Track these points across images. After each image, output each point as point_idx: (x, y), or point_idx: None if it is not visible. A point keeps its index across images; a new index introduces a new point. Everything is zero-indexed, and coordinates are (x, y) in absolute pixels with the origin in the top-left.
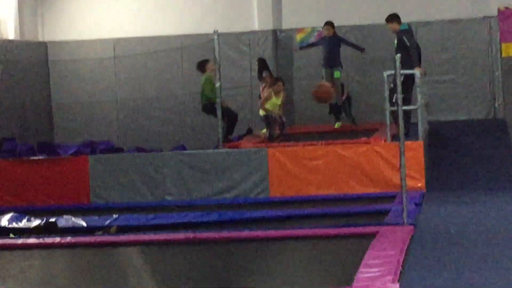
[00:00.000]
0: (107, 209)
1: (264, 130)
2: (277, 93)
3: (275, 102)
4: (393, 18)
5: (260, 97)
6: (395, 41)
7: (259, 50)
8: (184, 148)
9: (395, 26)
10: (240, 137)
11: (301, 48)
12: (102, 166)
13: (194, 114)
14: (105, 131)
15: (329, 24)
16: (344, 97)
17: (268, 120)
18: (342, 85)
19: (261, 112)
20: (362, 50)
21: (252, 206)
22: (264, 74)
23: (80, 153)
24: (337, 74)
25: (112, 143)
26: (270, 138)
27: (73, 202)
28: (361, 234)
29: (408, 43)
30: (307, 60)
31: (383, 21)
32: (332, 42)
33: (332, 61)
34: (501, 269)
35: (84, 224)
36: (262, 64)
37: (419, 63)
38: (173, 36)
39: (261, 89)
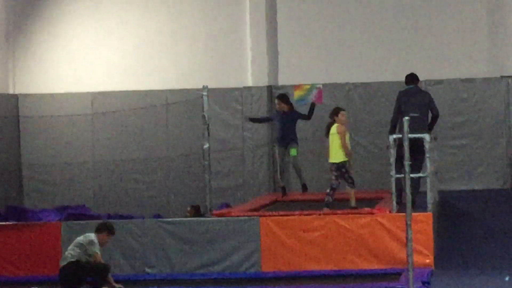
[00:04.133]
0: None
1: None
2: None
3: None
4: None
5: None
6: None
7: (252, 107)
8: (159, 218)
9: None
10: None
11: (251, 120)
12: (76, 234)
13: (179, 178)
14: (80, 195)
15: (280, 98)
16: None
17: (341, 173)
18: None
19: (338, 159)
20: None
21: (242, 281)
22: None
23: (52, 219)
24: (293, 152)
25: (87, 208)
26: (328, 205)
27: (43, 273)
28: None
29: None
30: (305, 122)
31: (390, 78)
32: (287, 117)
33: (286, 138)
34: None
35: None
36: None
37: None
38: (158, 91)
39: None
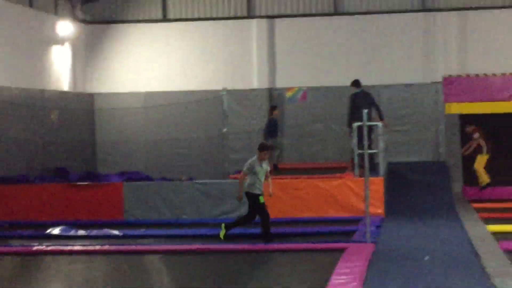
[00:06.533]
0: (137, 224)
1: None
2: None
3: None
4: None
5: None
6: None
7: (257, 104)
8: (192, 180)
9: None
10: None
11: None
12: (133, 191)
13: (207, 152)
14: (137, 164)
15: (276, 108)
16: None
17: None
18: None
19: None
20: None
21: (250, 224)
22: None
23: (116, 180)
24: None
25: (141, 173)
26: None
27: (110, 219)
28: (333, 249)
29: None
30: (295, 114)
31: (347, 83)
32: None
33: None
34: (442, 276)
35: (118, 233)
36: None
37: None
38: (191, 91)
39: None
